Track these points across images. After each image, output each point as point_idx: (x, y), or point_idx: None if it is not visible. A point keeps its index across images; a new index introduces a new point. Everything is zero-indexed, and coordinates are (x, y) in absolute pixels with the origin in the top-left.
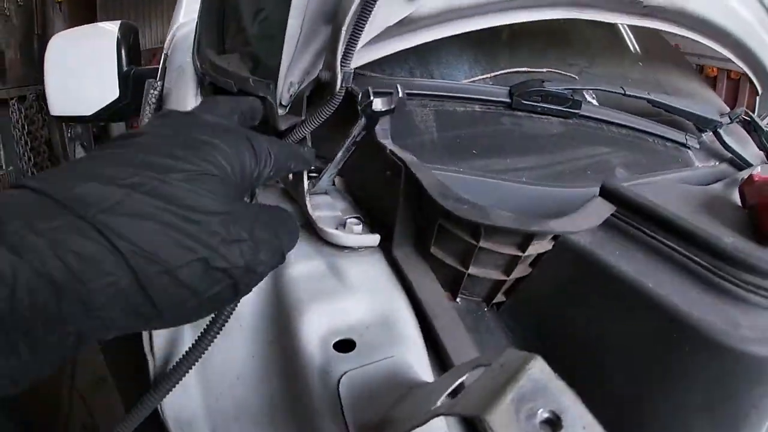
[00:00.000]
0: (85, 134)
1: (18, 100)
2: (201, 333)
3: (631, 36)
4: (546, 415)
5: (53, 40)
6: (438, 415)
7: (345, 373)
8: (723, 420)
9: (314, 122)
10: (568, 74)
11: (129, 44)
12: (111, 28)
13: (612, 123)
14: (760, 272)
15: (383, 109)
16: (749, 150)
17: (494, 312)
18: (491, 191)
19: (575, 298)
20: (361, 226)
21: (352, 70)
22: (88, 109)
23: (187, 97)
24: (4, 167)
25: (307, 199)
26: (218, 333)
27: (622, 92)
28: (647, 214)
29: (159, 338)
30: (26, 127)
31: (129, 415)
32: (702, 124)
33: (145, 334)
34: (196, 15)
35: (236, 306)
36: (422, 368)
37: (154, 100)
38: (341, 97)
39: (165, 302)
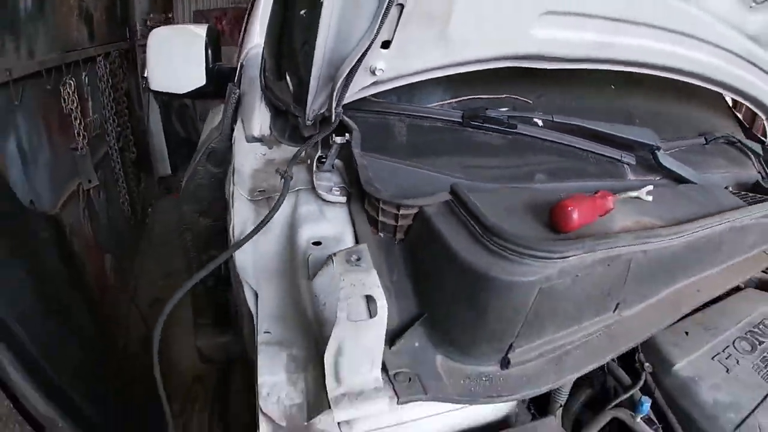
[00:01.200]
0: None
1: (104, 57)
2: (255, 226)
3: None
4: (354, 258)
5: (154, 33)
6: (329, 257)
7: (311, 254)
8: (482, 314)
9: (322, 135)
10: (523, 99)
11: (214, 45)
12: (200, 32)
13: (545, 140)
14: (508, 240)
15: (341, 142)
16: (747, 171)
17: (400, 244)
18: (428, 180)
19: (423, 242)
20: (339, 191)
21: (342, 111)
22: (180, 89)
23: (255, 102)
24: (91, 114)
25: (315, 176)
26: (263, 227)
27: (551, 119)
28: (465, 206)
29: (236, 227)
30: (110, 80)
31: (218, 256)
32: (638, 147)
33: (229, 225)
34: (263, 41)
35: (273, 215)
36: None
37: (233, 101)
38: (336, 124)
39: None
